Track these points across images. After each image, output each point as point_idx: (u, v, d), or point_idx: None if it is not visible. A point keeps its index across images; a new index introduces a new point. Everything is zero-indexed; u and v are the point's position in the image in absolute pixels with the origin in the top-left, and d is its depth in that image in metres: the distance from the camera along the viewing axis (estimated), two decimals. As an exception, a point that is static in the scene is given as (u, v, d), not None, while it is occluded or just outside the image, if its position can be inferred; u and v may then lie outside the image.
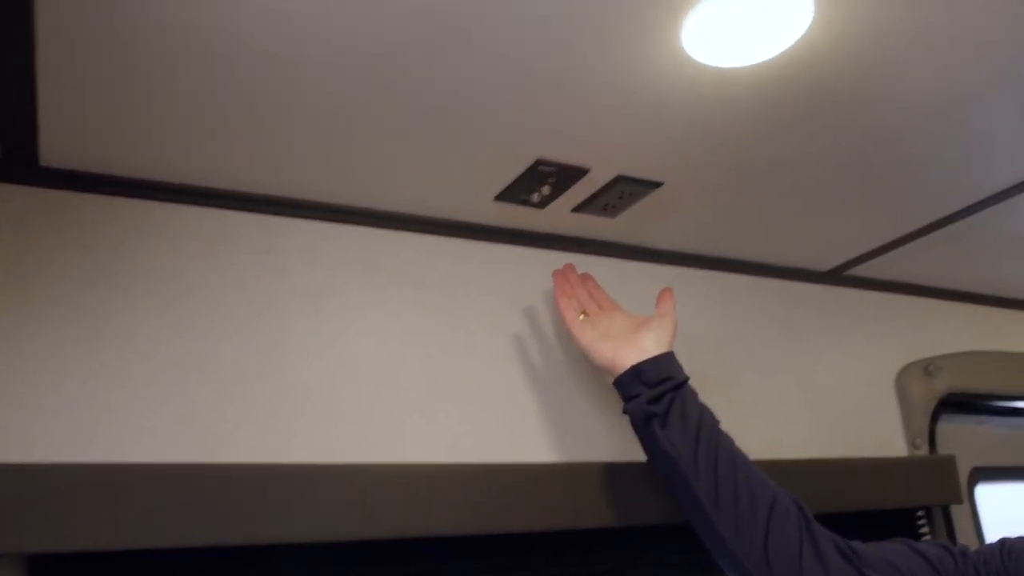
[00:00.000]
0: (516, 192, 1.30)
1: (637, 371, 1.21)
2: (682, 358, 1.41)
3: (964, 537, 1.91)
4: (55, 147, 1.11)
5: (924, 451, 1.86)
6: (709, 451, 1.16)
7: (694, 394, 1.22)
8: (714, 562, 1.18)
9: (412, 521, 1.19)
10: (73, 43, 0.90)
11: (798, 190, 1.42)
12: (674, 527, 1.35)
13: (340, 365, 1.28)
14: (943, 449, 1.94)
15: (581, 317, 1.32)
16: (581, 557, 1.39)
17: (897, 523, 1.78)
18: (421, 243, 1.41)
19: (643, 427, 1.20)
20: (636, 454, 1.32)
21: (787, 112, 1.16)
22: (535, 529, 1.29)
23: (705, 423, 1.18)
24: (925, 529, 1.81)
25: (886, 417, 1.86)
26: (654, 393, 1.19)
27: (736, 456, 1.18)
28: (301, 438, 1.22)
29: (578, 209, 1.37)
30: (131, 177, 1.20)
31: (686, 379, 1.22)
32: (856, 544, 1.14)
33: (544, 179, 1.26)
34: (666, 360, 1.23)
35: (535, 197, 1.30)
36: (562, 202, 1.35)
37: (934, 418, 1.92)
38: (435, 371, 1.35)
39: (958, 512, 1.90)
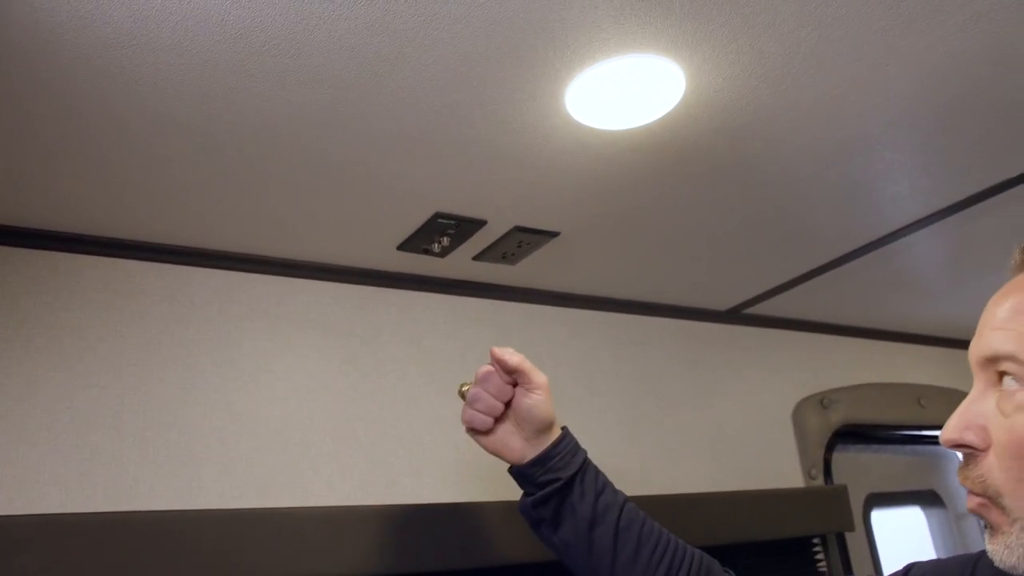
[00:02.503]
0: (417, 242, 1.34)
1: (523, 473, 1.12)
2: (585, 398, 1.45)
3: (859, 560, 2.01)
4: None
5: (820, 481, 1.94)
6: (603, 544, 1.08)
7: (590, 480, 1.11)
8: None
9: (320, 563, 1.21)
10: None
11: (691, 238, 1.49)
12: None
13: (247, 411, 1.30)
14: (839, 478, 2.03)
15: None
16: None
17: (794, 551, 1.85)
18: (328, 291, 1.43)
19: (535, 529, 1.13)
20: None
21: (671, 170, 1.23)
22: (442, 568, 1.32)
23: (599, 514, 1.09)
24: (820, 556, 1.89)
25: (784, 449, 1.95)
26: (539, 497, 1.09)
27: (642, 538, 1.10)
28: (208, 485, 1.23)
29: (478, 257, 1.42)
30: (32, 228, 1.20)
31: (576, 470, 1.10)
32: None
33: (443, 230, 1.30)
34: (554, 454, 1.10)
35: (436, 247, 1.34)
36: (463, 251, 1.40)
37: (830, 448, 2.02)
38: (341, 416, 1.37)
39: (853, 537, 1.98)
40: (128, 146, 1.03)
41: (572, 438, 1.13)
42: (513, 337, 1.59)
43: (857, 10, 0.93)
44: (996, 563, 0.75)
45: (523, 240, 1.37)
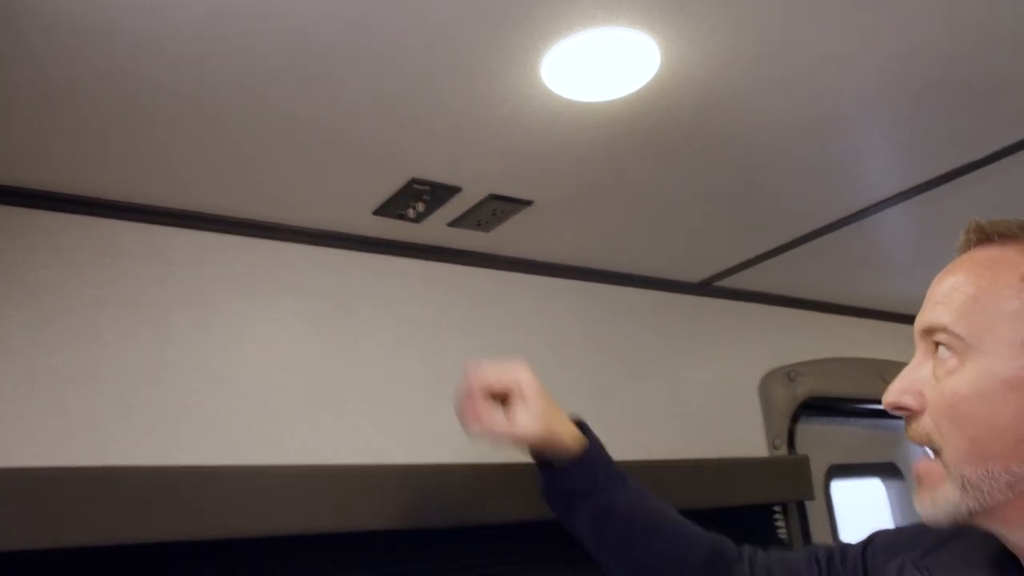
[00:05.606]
0: (393, 207, 1.35)
1: (552, 476, 1.14)
2: (556, 366, 1.46)
3: (819, 528, 2.06)
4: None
5: (783, 451, 1.99)
6: (617, 542, 1.12)
7: (611, 483, 1.13)
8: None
9: (293, 519, 1.24)
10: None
11: (664, 210, 1.52)
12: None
13: (224, 372, 1.31)
14: (802, 449, 2.08)
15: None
16: (444, 555, 1.45)
17: (755, 518, 1.91)
18: (304, 254, 1.45)
19: (550, 508, 1.17)
20: (504, 455, 1.39)
21: (645, 142, 1.25)
22: (411, 527, 1.36)
23: (615, 519, 1.11)
24: (781, 523, 1.95)
25: (749, 420, 1.99)
26: (555, 497, 1.15)
27: (653, 540, 1.13)
28: (184, 443, 1.25)
29: (453, 224, 1.43)
30: (10, 185, 1.20)
31: (591, 485, 1.12)
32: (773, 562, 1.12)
33: (419, 196, 1.32)
34: (576, 469, 1.12)
35: (411, 212, 1.36)
36: (438, 217, 1.41)
37: (795, 420, 2.06)
38: (316, 378, 1.39)
39: (812, 506, 2.04)
40: (107, 106, 1.03)
41: (595, 455, 1.13)
42: (485, 304, 1.61)
43: (827, -9, 0.95)
44: (922, 517, 0.82)
45: (497, 208, 1.39)
